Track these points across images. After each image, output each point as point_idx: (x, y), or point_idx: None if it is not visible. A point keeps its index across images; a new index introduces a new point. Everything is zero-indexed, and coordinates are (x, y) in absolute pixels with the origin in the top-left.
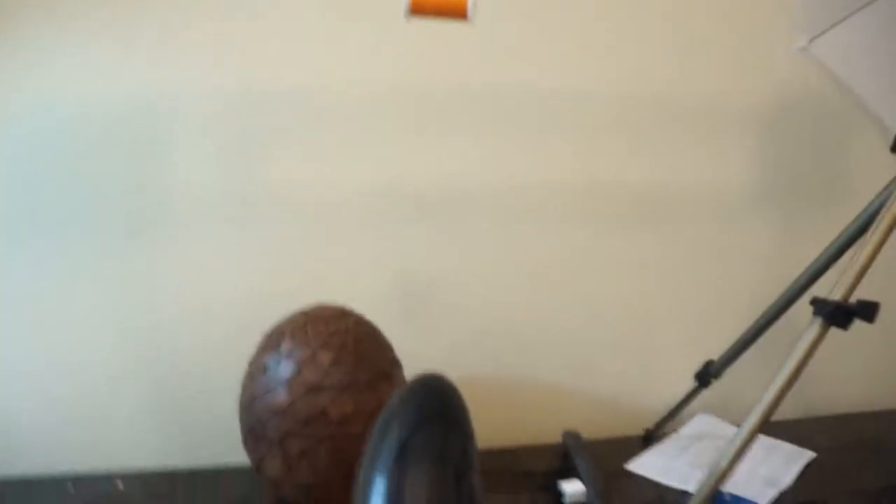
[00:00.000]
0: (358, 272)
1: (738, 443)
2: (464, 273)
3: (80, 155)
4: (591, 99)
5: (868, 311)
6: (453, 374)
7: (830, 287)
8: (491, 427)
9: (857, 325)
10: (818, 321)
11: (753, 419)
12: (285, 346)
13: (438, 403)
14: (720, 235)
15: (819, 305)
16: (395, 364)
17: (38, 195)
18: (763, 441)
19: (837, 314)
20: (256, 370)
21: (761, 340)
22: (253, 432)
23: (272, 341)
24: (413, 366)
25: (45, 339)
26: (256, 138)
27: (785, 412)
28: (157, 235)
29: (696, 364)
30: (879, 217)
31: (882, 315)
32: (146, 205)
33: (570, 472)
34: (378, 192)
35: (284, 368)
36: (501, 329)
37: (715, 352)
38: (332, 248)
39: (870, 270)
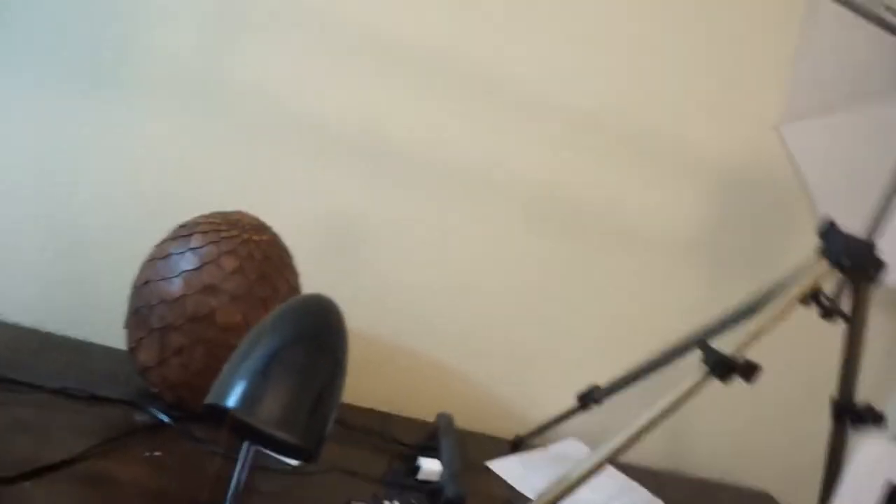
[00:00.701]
0: (294, 197)
1: (590, 462)
2: (395, 228)
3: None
4: (567, 110)
5: (749, 370)
6: (353, 325)
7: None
8: (372, 387)
9: (741, 389)
10: (702, 368)
11: (612, 444)
12: (195, 240)
13: (316, 325)
14: (649, 269)
15: (707, 352)
16: (295, 291)
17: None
18: (622, 479)
19: (721, 365)
20: (158, 255)
21: (654, 383)
22: (137, 314)
23: (183, 231)
24: None
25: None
26: (234, 28)
27: (655, 459)
28: (110, 93)
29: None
30: (787, 290)
31: (758, 389)
32: (108, 59)
33: (433, 452)
34: (326, 123)
35: (186, 261)
36: (409, 295)
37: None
38: (276, 162)
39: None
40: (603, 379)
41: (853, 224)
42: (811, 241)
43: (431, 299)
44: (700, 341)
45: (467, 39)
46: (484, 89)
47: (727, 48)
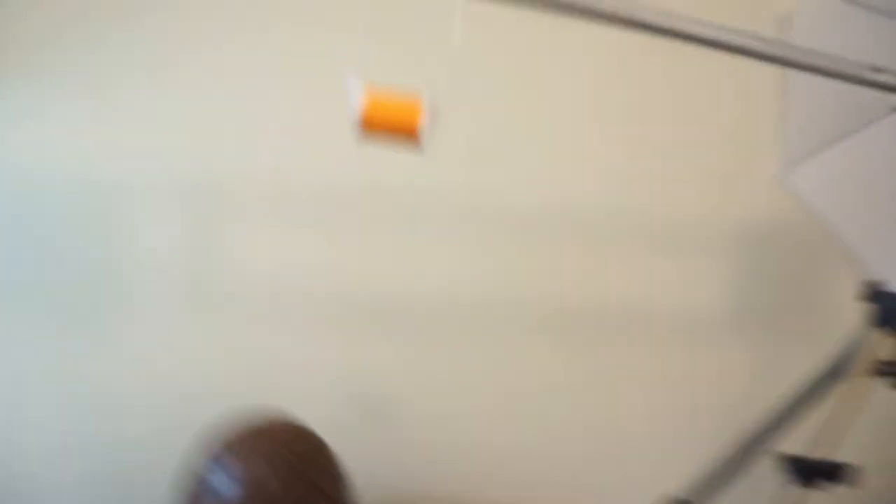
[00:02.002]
0: (312, 374)
1: None
2: (425, 386)
3: (41, 224)
4: (558, 210)
5: (834, 472)
6: (406, 490)
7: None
8: None
9: None
10: (782, 476)
11: None
12: (231, 465)
13: None
14: (689, 358)
15: (785, 462)
16: (346, 488)
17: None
18: None
19: (804, 471)
20: (199, 488)
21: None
22: None
23: (217, 454)
24: (366, 478)
25: None
26: (219, 224)
27: None
28: (111, 314)
29: (657, 491)
30: (842, 369)
31: None
32: (104, 280)
33: None
34: (337, 292)
35: (227, 488)
36: (457, 444)
37: (677, 479)
38: (287, 345)
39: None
40: (668, 483)
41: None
42: (847, 290)
43: (485, 443)
44: (773, 452)
45: (471, 176)
46: (494, 226)
47: (723, 115)
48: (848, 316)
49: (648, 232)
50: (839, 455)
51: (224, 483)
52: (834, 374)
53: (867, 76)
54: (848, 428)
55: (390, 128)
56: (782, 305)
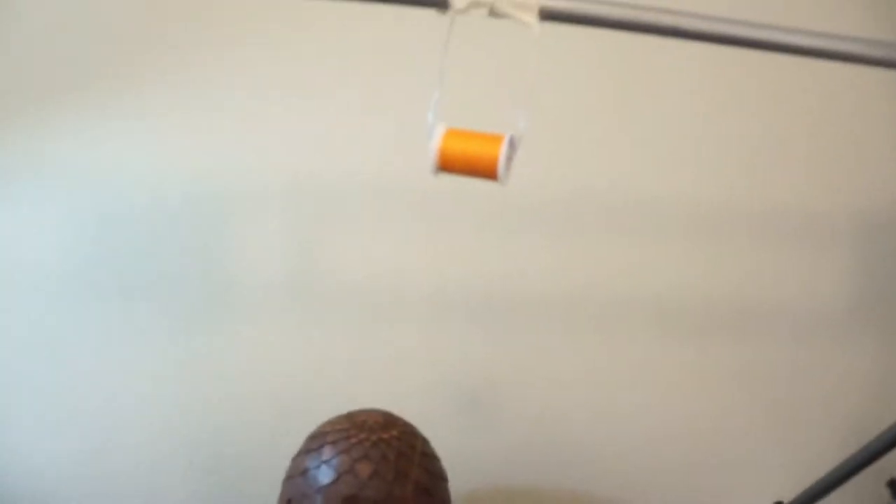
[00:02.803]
0: (412, 372)
1: None
2: (524, 381)
3: (150, 236)
4: (666, 203)
5: None
6: (507, 485)
7: None
8: None
9: None
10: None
11: None
12: (326, 452)
13: None
14: (806, 356)
15: None
16: (438, 478)
17: (110, 274)
18: None
19: None
20: (296, 472)
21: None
22: None
23: (314, 444)
24: (464, 472)
25: (102, 416)
26: (322, 227)
27: None
28: (218, 319)
29: (766, 497)
30: None
31: None
32: (211, 288)
33: None
34: (438, 291)
35: (324, 475)
36: (561, 440)
37: (788, 486)
38: (387, 344)
39: None
40: (778, 488)
41: None
42: None
43: (587, 438)
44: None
45: (571, 172)
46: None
47: (838, 104)
48: None
49: (762, 224)
50: None
51: (320, 470)
52: None
53: None
54: None
55: (469, 169)
56: None
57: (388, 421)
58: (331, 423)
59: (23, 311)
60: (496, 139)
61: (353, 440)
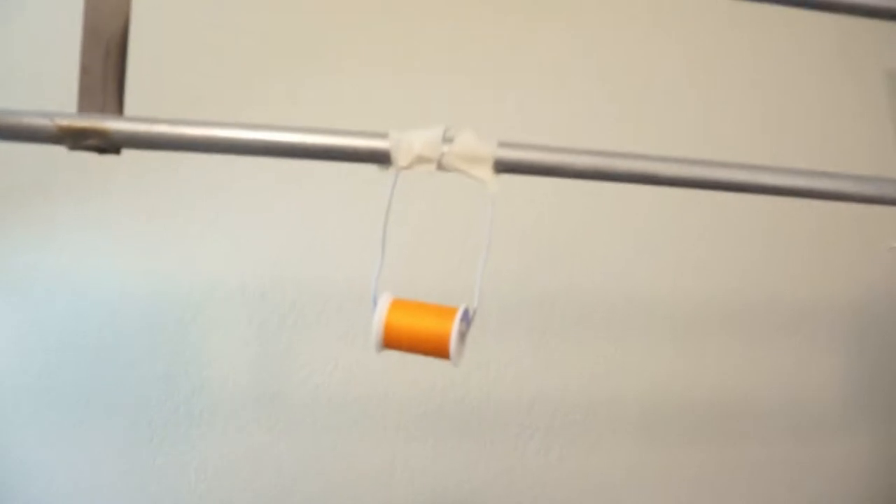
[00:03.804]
0: (389, 488)
1: None
2: (506, 492)
3: (112, 343)
4: (649, 299)
5: None
6: None
7: None
8: None
9: None
10: None
11: None
12: None
13: None
14: (802, 453)
15: None
16: None
17: (70, 382)
18: None
19: None
20: None
21: None
22: None
23: None
24: None
25: None
26: (292, 335)
27: None
28: (183, 429)
29: None
30: None
31: None
32: (174, 396)
33: None
34: (413, 400)
35: None
36: None
37: None
38: (363, 457)
39: None
40: None
41: None
42: None
43: None
44: None
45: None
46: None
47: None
48: None
49: (750, 318)
50: None
51: None
52: None
53: None
54: None
55: (417, 348)
56: None
57: None
58: None
59: None
60: (448, 313)
61: None
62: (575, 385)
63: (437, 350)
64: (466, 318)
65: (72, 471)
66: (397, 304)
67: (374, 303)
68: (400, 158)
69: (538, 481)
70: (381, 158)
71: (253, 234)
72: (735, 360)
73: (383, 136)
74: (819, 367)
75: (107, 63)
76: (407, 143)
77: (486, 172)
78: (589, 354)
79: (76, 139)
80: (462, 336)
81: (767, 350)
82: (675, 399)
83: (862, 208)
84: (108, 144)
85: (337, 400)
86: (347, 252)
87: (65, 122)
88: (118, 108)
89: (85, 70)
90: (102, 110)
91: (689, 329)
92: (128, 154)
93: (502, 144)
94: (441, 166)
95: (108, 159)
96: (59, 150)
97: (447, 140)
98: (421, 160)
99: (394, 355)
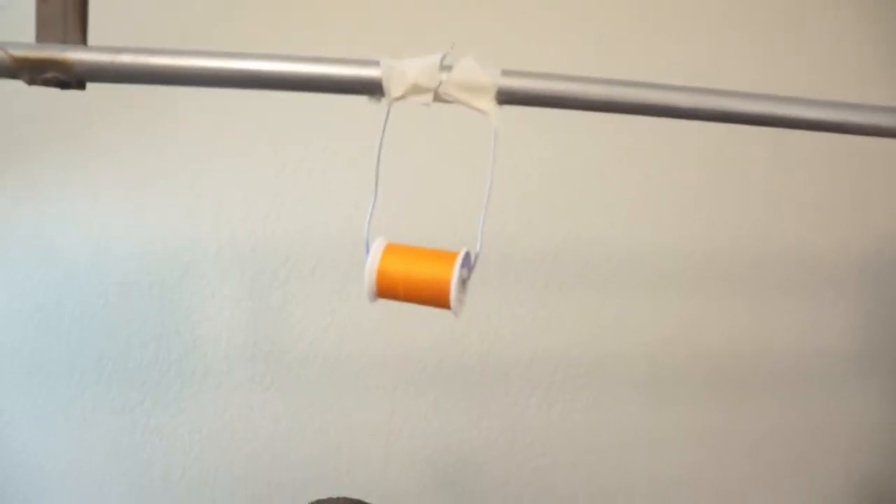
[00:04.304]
0: (384, 445)
1: None
2: (506, 451)
3: (99, 308)
4: (655, 254)
5: None
6: None
7: None
8: None
9: None
10: None
11: None
12: None
13: None
14: (813, 409)
15: None
16: None
17: (59, 348)
18: None
19: None
20: None
21: None
22: None
23: None
24: None
25: (53, 499)
26: (285, 291)
27: None
28: (176, 391)
29: None
30: None
31: None
32: (165, 357)
33: None
34: (410, 356)
35: None
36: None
37: None
38: (358, 414)
39: None
40: None
41: None
42: None
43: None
44: None
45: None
46: None
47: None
48: None
49: (753, 271)
50: None
51: None
52: None
53: None
54: None
55: (413, 296)
56: None
57: None
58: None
59: None
60: (448, 258)
61: None
62: (578, 339)
63: (437, 298)
64: (468, 264)
65: (63, 436)
66: (392, 249)
67: (367, 248)
68: (393, 88)
69: (539, 438)
70: (372, 89)
71: (239, 188)
72: (743, 315)
73: (374, 63)
74: (829, 319)
75: None
76: (400, 71)
77: (487, 103)
78: (592, 309)
79: (34, 72)
80: (463, 283)
81: (777, 304)
82: (683, 355)
83: (872, 157)
84: (70, 77)
85: (333, 357)
86: (341, 201)
87: (20, 53)
88: (81, 39)
89: None
90: (64, 41)
91: (695, 284)
92: (107, 111)
93: (506, 72)
94: (438, 97)
95: (83, 104)
96: (36, 110)
97: (445, 68)
98: (416, 90)
99: (391, 309)
